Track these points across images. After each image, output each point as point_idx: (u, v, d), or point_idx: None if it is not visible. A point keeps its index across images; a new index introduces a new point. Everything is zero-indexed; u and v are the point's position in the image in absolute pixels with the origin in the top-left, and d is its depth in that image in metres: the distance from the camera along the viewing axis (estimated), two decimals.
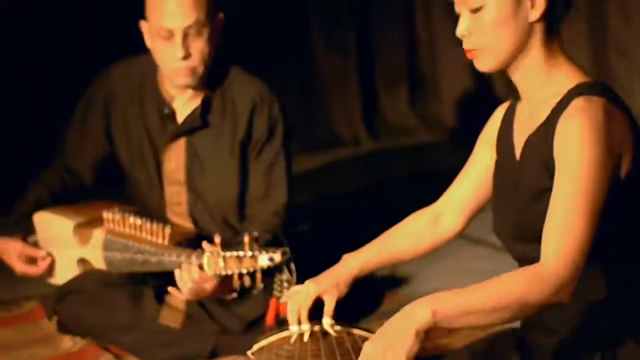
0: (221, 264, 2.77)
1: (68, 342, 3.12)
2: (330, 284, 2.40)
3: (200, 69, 3.01)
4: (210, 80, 3.09)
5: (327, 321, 2.38)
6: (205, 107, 3.10)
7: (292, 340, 2.35)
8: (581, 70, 2.06)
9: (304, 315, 2.38)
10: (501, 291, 1.86)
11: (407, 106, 5.75)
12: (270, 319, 2.55)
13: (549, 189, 1.93)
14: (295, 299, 2.40)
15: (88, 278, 3.12)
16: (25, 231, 3.24)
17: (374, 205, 4.49)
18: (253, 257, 2.73)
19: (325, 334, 2.35)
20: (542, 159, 1.99)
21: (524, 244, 2.06)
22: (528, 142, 2.07)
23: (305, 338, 2.34)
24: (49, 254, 3.22)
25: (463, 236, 3.75)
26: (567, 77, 2.04)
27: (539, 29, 2.03)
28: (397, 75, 5.74)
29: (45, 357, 3.08)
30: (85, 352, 3.05)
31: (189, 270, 2.84)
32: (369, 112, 5.74)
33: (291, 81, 5.30)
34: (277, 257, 2.72)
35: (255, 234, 2.78)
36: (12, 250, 3.20)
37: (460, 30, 2.06)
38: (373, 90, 5.78)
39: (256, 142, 3.12)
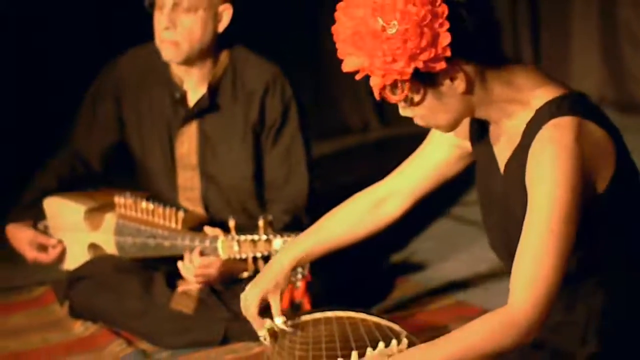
0: (235, 247, 2.78)
1: (79, 327, 3.12)
2: (270, 284, 2.32)
3: (185, 46, 2.99)
4: (219, 62, 3.08)
5: (279, 320, 2.31)
6: (213, 89, 3.09)
7: (305, 326, 2.34)
8: (551, 81, 1.98)
9: (256, 324, 2.32)
10: (469, 344, 1.85)
11: None
12: (285, 303, 2.54)
13: None
14: (243, 307, 2.34)
15: (100, 263, 3.12)
16: (36, 217, 3.24)
17: None
18: (268, 240, 2.74)
19: (339, 319, 2.34)
20: (524, 185, 1.94)
21: None
22: (509, 165, 2.03)
23: (264, 340, 2.31)
24: (60, 241, 3.22)
25: (476, 223, 3.78)
26: (533, 95, 1.96)
27: (476, 91, 1.95)
28: None
29: (57, 342, 3.08)
30: (97, 337, 3.05)
31: (189, 258, 2.85)
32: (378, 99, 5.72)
33: (300, 68, 5.28)
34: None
35: (270, 217, 2.79)
36: (24, 237, 3.21)
37: (401, 112, 2.00)
38: None
39: (271, 125, 3.11)
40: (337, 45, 1.93)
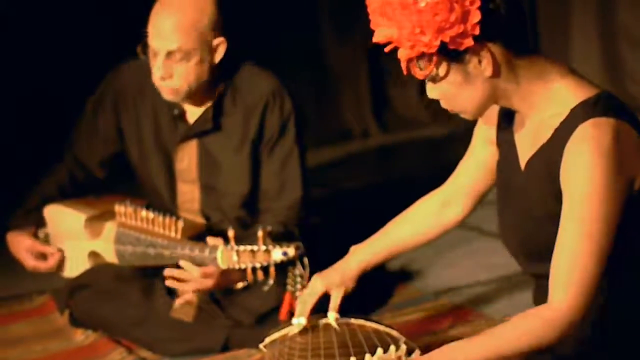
0: (235, 257, 2.79)
1: (80, 336, 3.13)
2: (337, 279, 2.40)
3: (184, 89, 2.98)
4: (220, 79, 3.08)
5: (332, 315, 2.38)
6: (217, 110, 3.09)
7: (303, 332, 2.35)
8: (581, 79, 1.99)
9: (306, 310, 2.37)
10: (508, 342, 1.89)
11: (417, 99, 5.74)
12: (283, 314, 2.55)
13: (558, 214, 1.91)
14: (304, 294, 2.41)
15: (100, 272, 3.13)
16: (36, 225, 3.24)
17: (384, 198, 4.48)
18: (267, 251, 2.75)
19: (338, 326, 2.35)
20: (549, 182, 1.96)
21: (534, 262, 2.06)
22: (532, 162, 2.03)
23: (295, 330, 2.34)
24: (59, 249, 3.22)
25: (476, 229, 3.78)
26: (566, 93, 1.96)
27: (503, 77, 1.96)
28: None
29: (58, 351, 3.08)
30: (97, 345, 3.06)
31: (189, 270, 2.88)
32: (379, 105, 5.74)
33: (302, 74, 5.30)
34: (291, 251, 2.73)
35: (269, 228, 2.80)
36: (23, 246, 3.21)
37: (428, 94, 2.03)
38: (383, 83, 5.78)
39: (268, 139, 3.10)
40: (370, 16, 1.96)
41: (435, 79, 1.97)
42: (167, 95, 3.01)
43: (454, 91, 1.98)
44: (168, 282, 2.94)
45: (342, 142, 5.53)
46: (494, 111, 2.18)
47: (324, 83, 5.70)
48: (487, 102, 2.00)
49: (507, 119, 2.13)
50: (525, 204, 2.04)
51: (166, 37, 2.91)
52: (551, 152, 1.95)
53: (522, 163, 2.07)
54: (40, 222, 3.25)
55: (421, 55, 1.93)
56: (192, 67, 2.96)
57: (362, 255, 2.42)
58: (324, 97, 5.67)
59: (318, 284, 2.40)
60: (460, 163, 2.36)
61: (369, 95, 5.70)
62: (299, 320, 2.36)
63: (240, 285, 2.88)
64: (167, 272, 2.93)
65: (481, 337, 1.93)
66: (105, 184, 3.37)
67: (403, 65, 1.96)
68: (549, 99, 1.98)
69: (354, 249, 2.45)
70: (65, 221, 3.22)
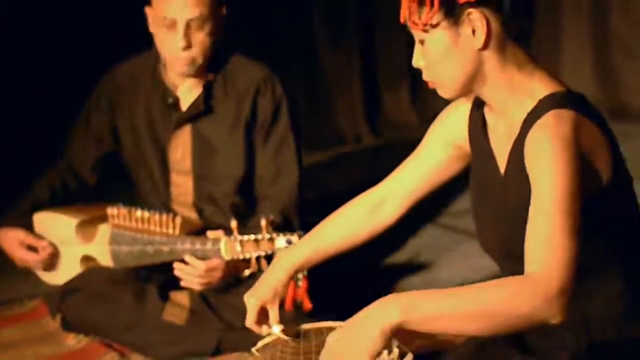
0: (238, 248, 2.81)
1: (72, 340, 3.12)
2: (269, 292, 2.33)
3: (200, 60, 3.03)
4: (212, 66, 3.11)
5: (277, 328, 2.32)
6: (208, 91, 3.11)
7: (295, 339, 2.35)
8: (555, 78, 2.01)
9: (261, 330, 2.33)
10: (483, 297, 1.78)
11: (409, 104, 5.76)
12: (288, 303, 2.51)
13: None
14: (246, 320, 2.35)
15: (92, 275, 3.12)
16: (27, 227, 3.22)
17: None
18: (271, 239, 2.77)
19: (329, 330, 2.35)
20: (523, 173, 1.95)
21: (514, 261, 2.02)
22: (511, 159, 2.03)
23: (258, 345, 2.30)
24: (51, 244, 3.21)
25: (464, 231, 3.79)
26: (539, 86, 1.98)
27: (490, 54, 1.97)
28: (398, 74, 5.75)
29: (49, 355, 3.07)
30: (89, 349, 3.05)
31: (194, 265, 2.88)
32: (371, 110, 5.75)
33: (295, 79, 5.30)
34: (295, 239, 2.75)
35: (272, 217, 2.82)
36: (14, 237, 3.20)
37: (414, 62, 2.03)
38: (375, 89, 5.79)
39: (262, 124, 3.14)
40: None
41: (427, 31, 1.96)
42: (181, 67, 3.04)
43: (440, 55, 1.97)
44: (177, 272, 2.94)
45: (334, 146, 5.54)
46: (459, 115, 2.19)
47: (317, 88, 5.71)
48: (468, 79, 1.99)
49: (478, 123, 2.13)
50: (504, 201, 2.04)
51: (185, 5, 2.97)
52: (520, 143, 1.96)
53: (501, 165, 2.07)
54: (30, 227, 3.24)
55: (423, 2, 1.94)
56: (207, 35, 3.01)
57: (289, 261, 2.35)
58: (318, 102, 5.68)
59: (252, 302, 2.33)
60: (404, 163, 2.31)
61: (361, 100, 5.72)
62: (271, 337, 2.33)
63: (247, 272, 2.88)
64: (177, 265, 2.94)
65: (447, 292, 1.81)
66: (95, 193, 3.36)
67: (404, 10, 1.97)
68: (524, 92, 1.99)
69: (279, 254, 2.39)
70: (55, 227, 3.21)
